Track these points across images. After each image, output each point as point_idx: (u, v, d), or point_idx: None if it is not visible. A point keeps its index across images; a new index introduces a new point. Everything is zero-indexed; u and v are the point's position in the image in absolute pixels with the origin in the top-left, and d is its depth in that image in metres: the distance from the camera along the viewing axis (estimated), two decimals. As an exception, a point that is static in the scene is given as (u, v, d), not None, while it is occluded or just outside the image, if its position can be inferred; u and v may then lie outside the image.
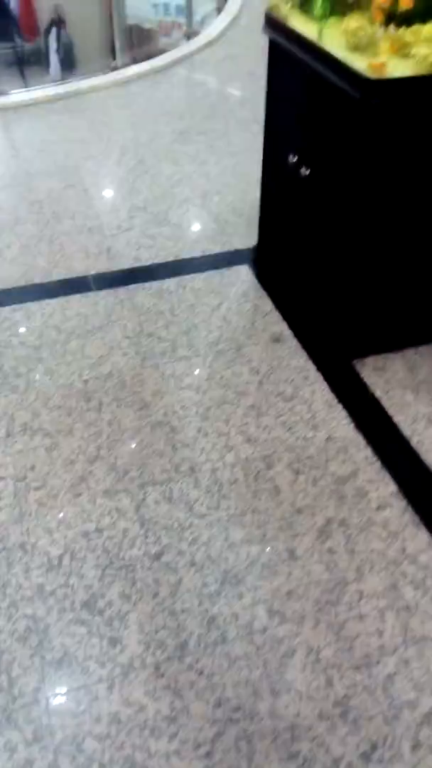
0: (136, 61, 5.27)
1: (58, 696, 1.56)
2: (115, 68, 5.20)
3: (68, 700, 1.55)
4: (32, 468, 2.08)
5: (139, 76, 4.94)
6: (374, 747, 1.46)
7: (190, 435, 2.17)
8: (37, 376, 2.39)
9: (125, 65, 5.26)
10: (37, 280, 2.85)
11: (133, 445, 2.14)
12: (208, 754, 1.45)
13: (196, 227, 3.23)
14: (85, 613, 1.71)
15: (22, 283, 2.84)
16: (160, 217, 3.26)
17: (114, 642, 1.65)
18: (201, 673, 1.59)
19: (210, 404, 2.27)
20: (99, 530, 1.90)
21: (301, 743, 1.47)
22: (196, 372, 2.40)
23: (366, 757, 1.45)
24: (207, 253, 3.02)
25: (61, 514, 1.94)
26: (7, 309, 2.70)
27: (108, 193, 3.55)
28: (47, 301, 2.73)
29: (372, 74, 1.83)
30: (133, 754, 1.45)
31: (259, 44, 2.43)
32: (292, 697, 1.54)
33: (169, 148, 3.89)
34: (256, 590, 1.75)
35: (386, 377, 2.39)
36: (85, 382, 2.36)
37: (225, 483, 2.02)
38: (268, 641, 1.64)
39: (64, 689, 1.57)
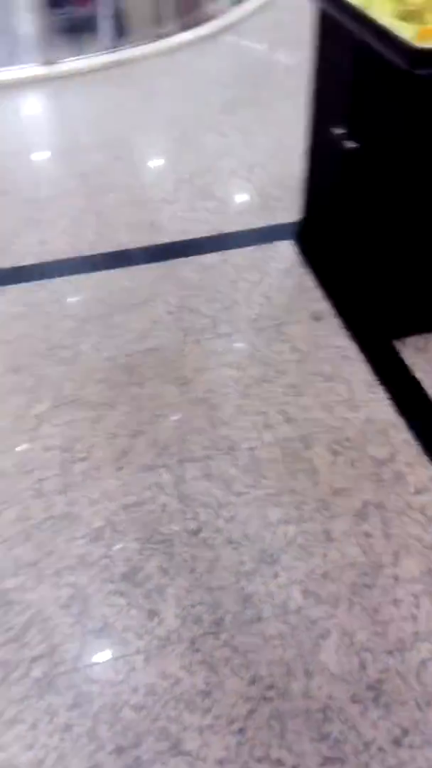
0: (185, 29, 5.06)
1: (98, 665, 1.55)
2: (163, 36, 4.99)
3: (107, 669, 1.54)
4: (78, 440, 2.05)
5: (187, 44, 4.75)
6: (405, 732, 1.42)
7: (229, 413, 2.11)
8: (84, 349, 2.35)
9: (173, 33, 5.05)
10: (85, 252, 2.79)
11: (174, 421, 2.09)
12: (241, 731, 1.43)
13: (240, 200, 3.11)
14: (125, 584, 1.69)
15: (71, 255, 2.79)
16: (205, 189, 3.14)
17: (152, 615, 1.63)
18: (236, 650, 1.56)
19: (250, 382, 2.20)
20: (139, 504, 1.87)
21: (332, 725, 1.43)
22: (237, 349, 2.33)
23: (397, 741, 1.41)
24: (250, 227, 2.90)
25: (104, 487, 1.92)
26: (57, 281, 2.65)
27: (154, 164, 3.44)
28: (93, 274, 2.68)
29: (420, 42, 1.67)
30: (168, 726, 1.44)
31: (308, 10, 2.26)
32: (326, 679, 1.50)
33: (216, 119, 3.73)
34: (292, 570, 1.70)
35: (427, 357, 2.27)
36: (129, 356, 2.31)
37: (263, 462, 1.96)
38: (302, 622, 1.60)
39: (103, 658, 1.57)
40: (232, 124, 3.66)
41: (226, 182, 3.20)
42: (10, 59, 4.68)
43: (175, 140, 3.58)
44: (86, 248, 2.81)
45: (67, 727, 1.46)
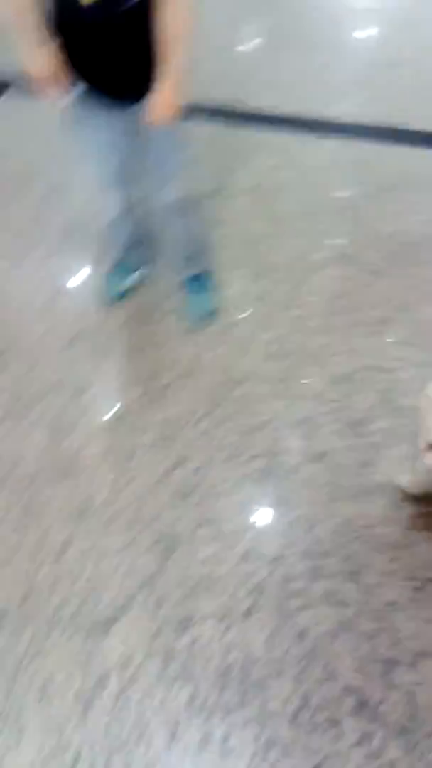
0: None
1: (310, 480, 1.71)
2: None
3: (315, 488, 1.69)
4: (344, 295, 2.11)
5: None
6: None
7: None
8: (370, 216, 2.33)
9: None
10: (401, 125, 2.68)
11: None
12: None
13: None
14: (351, 430, 1.79)
15: (387, 124, 2.69)
16: None
17: (365, 465, 1.73)
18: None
19: None
20: (384, 370, 1.91)
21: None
22: None
23: None
24: None
25: (357, 343, 1.98)
26: (367, 145, 2.61)
27: None
28: (402, 148, 2.58)
29: None
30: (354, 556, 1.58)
31: None
32: None
33: None
34: None
35: None
36: (413, 234, 2.25)
37: None
38: None
39: (315, 477, 1.71)
40: None
41: None
42: None
43: None
44: (402, 121, 2.70)
45: (270, 516, 1.66)
